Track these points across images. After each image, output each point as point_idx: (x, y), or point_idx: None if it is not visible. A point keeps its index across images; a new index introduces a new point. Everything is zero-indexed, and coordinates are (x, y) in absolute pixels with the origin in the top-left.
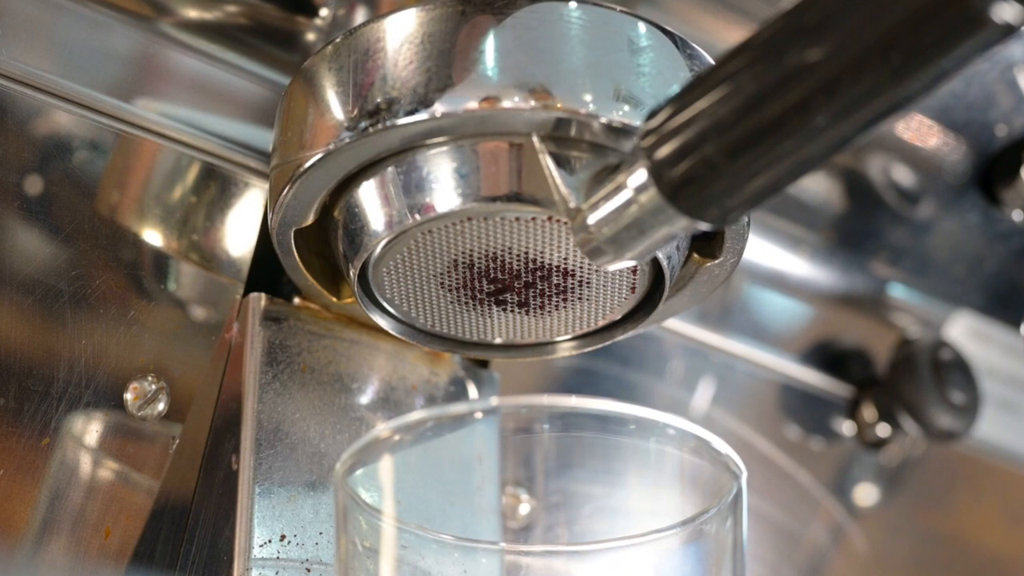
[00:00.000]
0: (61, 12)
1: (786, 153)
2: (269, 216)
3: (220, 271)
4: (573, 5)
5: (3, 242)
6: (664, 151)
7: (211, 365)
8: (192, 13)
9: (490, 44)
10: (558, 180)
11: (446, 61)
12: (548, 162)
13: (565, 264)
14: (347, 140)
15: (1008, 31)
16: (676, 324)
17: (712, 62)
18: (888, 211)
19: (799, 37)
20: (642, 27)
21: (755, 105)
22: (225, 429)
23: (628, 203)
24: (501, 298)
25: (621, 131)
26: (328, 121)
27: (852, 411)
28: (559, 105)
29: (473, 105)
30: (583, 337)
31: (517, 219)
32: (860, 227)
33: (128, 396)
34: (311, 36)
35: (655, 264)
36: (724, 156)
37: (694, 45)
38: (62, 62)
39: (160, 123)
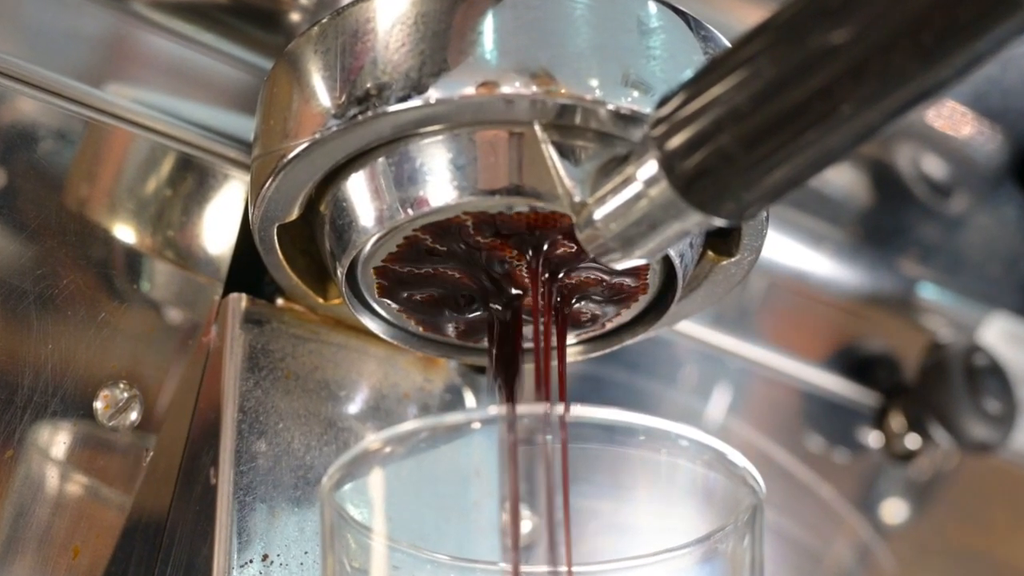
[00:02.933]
0: None
1: (808, 143)
2: (250, 210)
3: (197, 270)
4: None
5: None
6: (676, 141)
7: (188, 371)
8: None
9: (488, 25)
10: (562, 172)
11: (441, 43)
12: (551, 152)
13: (569, 262)
14: (334, 128)
15: None
16: (689, 327)
17: (728, 45)
18: (918, 205)
19: (823, 17)
20: (652, 7)
21: (775, 91)
22: (203, 440)
23: (637, 197)
24: (500, 299)
25: (630, 119)
26: (314, 108)
27: (879, 421)
28: (563, 91)
29: (470, 91)
30: (589, 341)
31: (518, 214)
32: (888, 222)
33: (98, 405)
34: (295, 16)
35: (667, 263)
36: (741, 146)
37: (709, 26)
38: (27, 44)
39: (133, 110)
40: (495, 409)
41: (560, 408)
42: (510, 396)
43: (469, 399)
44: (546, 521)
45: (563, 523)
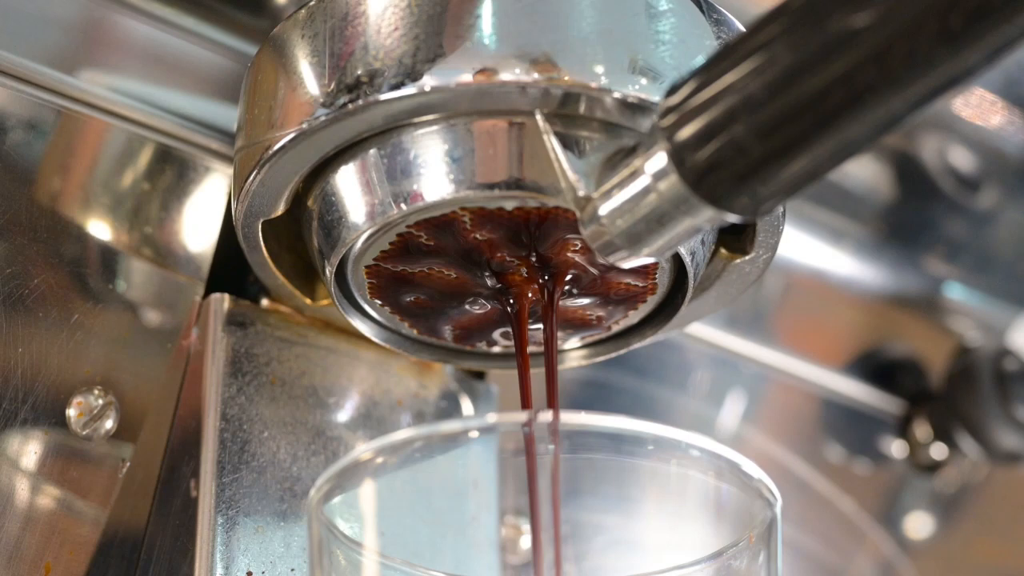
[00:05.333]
0: None
1: (828, 134)
2: (233, 205)
3: (177, 268)
4: None
5: None
6: (687, 131)
7: (167, 376)
8: None
9: (487, 8)
10: (565, 164)
11: (436, 27)
12: (553, 144)
13: (573, 260)
14: (323, 118)
15: None
16: (701, 329)
17: (742, 29)
18: (944, 200)
19: None
20: None
21: (792, 78)
22: (183, 450)
23: (645, 191)
24: (499, 300)
25: (638, 108)
26: (301, 96)
27: (903, 429)
28: (566, 78)
29: (467, 78)
30: (595, 345)
31: (518, 209)
32: (912, 218)
33: (71, 412)
34: None
35: (677, 261)
36: (756, 137)
37: (721, 9)
38: None
39: (108, 98)
40: (494, 417)
41: (554, 417)
42: (526, 401)
43: (466, 406)
44: (549, 536)
45: (555, 538)
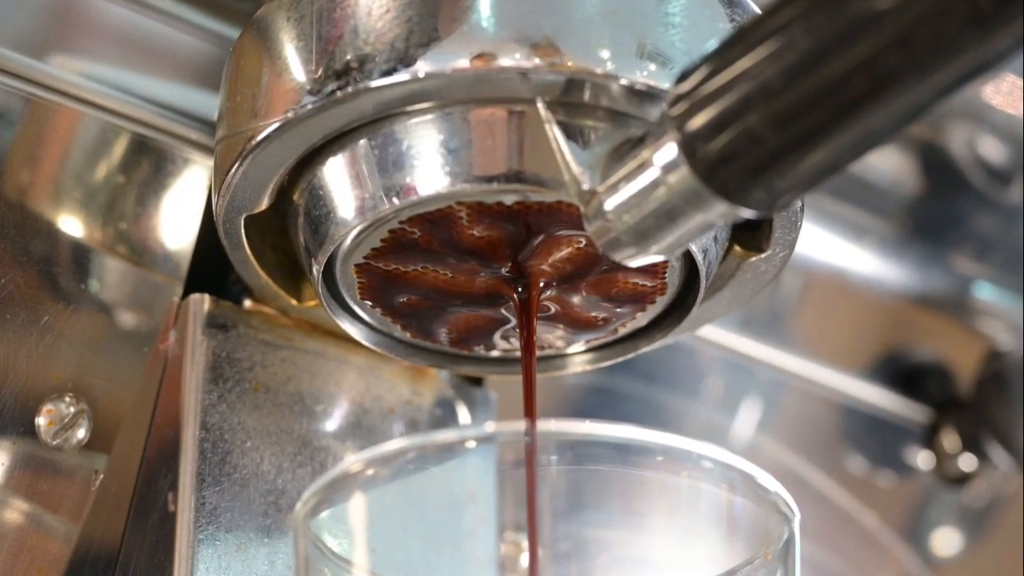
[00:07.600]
0: None
1: (849, 123)
2: (214, 200)
3: (154, 267)
4: None
5: None
6: (698, 121)
7: (143, 382)
8: None
9: None
10: (568, 156)
11: (431, 9)
12: (556, 133)
13: (577, 259)
14: (310, 106)
15: None
16: (714, 332)
17: (758, 11)
18: (974, 194)
19: None
20: None
21: (811, 64)
22: (160, 461)
23: (654, 184)
24: (498, 300)
25: (646, 95)
26: (286, 83)
27: (929, 439)
28: (569, 63)
29: (464, 63)
30: (600, 348)
31: (518, 204)
32: (939, 213)
33: (41, 421)
34: None
35: (688, 260)
36: (772, 127)
37: None
38: None
39: (80, 85)
40: (492, 426)
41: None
42: (529, 409)
43: (463, 414)
44: (550, 553)
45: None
